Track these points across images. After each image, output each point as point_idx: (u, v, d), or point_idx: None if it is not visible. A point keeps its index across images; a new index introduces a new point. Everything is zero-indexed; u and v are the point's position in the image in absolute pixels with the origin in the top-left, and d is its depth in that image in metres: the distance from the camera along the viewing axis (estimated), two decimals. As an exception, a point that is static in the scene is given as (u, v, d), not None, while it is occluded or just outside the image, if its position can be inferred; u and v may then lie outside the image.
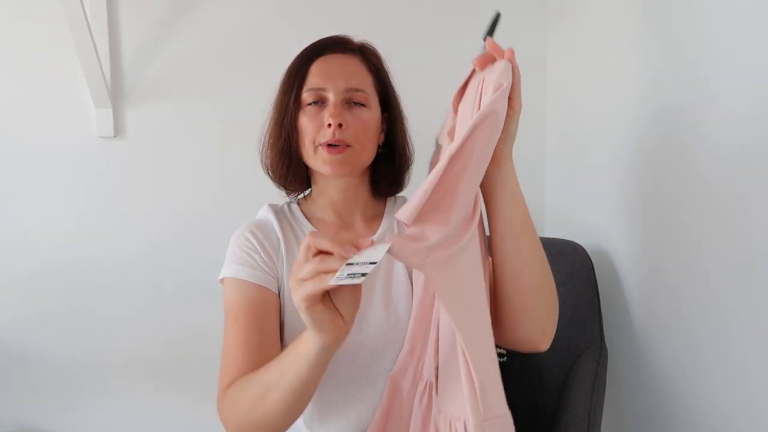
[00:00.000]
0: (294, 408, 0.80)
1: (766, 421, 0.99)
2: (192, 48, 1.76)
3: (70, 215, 1.73)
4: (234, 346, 0.92)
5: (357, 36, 1.08)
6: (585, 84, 1.62)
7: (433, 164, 0.92)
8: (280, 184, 1.09)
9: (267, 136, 1.06)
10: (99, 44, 1.62)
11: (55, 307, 1.74)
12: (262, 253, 0.99)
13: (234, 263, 0.99)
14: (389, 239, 0.68)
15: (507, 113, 0.74)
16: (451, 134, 0.85)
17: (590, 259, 1.47)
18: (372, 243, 0.65)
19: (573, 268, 1.46)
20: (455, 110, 0.85)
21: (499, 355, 1.46)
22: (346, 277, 0.63)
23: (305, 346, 0.73)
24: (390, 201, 1.12)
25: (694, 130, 1.15)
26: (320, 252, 0.66)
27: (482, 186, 0.80)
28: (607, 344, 1.43)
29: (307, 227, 1.04)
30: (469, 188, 0.72)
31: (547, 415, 1.41)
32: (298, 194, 1.11)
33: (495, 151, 0.76)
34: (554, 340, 1.47)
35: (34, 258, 1.72)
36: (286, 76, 1.02)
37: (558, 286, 1.53)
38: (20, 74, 1.69)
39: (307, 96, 0.97)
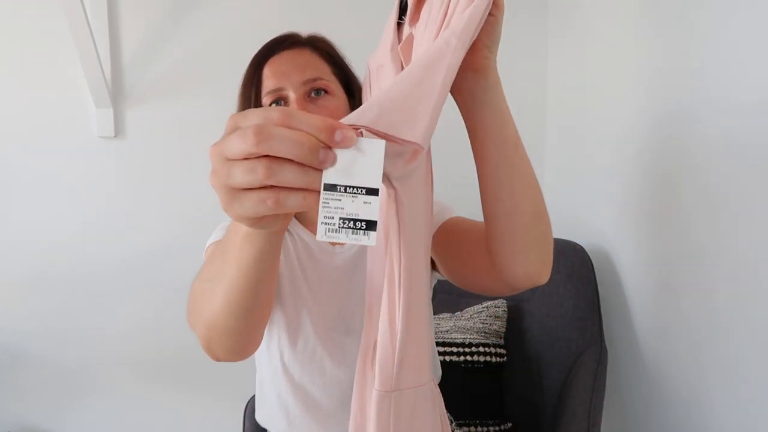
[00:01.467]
0: (244, 308, 0.64)
1: (764, 420, 0.99)
2: (192, 48, 1.76)
3: (70, 215, 1.73)
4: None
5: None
6: (585, 84, 1.62)
7: (365, 90, 0.81)
8: None
9: None
10: (99, 44, 1.62)
11: (56, 307, 1.74)
12: None
13: (218, 231, 0.97)
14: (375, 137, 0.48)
15: (487, 18, 0.61)
16: (405, 48, 0.71)
17: (590, 259, 1.47)
18: (356, 133, 0.44)
19: (573, 268, 1.46)
20: (413, 20, 0.70)
21: (499, 356, 1.47)
22: (341, 229, 0.44)
23: (248, 238, 0.58)
24: None
25: (694, 130, 1.15)
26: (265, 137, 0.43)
27: (466, 107, 0.69)
28: (607, 344, 1.43)
29: (302, 231, 1.00)
30: (444, 95, 0.56)
31: (547, 415, 1.41)
32: None
33: (478, 61, 0.65)
34: (554, 340, 1.48)
35: (34, 258, 1.73)
36: (241, 87, 0.98)
37: (558, 286, 1.55)
38: (20, 74, 1.69)
39: (266, 100, 0.94)
